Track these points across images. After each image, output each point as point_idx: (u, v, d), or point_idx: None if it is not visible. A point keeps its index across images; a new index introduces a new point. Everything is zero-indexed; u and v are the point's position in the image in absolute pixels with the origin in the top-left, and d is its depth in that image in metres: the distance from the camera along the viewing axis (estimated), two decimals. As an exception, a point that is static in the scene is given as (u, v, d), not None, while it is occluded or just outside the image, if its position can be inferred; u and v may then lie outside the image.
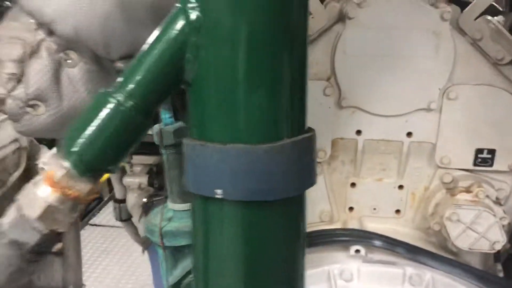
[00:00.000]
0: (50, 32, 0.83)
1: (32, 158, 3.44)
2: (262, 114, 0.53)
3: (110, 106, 0.56)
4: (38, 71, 0.84)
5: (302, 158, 0.56)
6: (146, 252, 1.38)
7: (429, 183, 1.33)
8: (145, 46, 0.56)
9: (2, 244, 0.56)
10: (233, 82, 0.52)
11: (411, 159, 1.31)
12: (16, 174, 2.96)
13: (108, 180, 3.48)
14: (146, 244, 1.10)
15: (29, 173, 3.56)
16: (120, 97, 0.55)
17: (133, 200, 1.53)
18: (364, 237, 1.30)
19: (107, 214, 3.07)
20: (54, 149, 0.75)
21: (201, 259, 0.59)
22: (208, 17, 0.51)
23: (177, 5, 0.54)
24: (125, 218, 1.65)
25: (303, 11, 0.53)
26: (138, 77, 0.55)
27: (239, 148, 0.52)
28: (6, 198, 2.83)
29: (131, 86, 0.55)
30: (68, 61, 0.84)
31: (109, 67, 0.86)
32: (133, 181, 1.53)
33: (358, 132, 1.30)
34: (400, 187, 1.35)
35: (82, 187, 0.57)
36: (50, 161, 0.58)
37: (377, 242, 1.29)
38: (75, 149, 0.57)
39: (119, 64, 0.80)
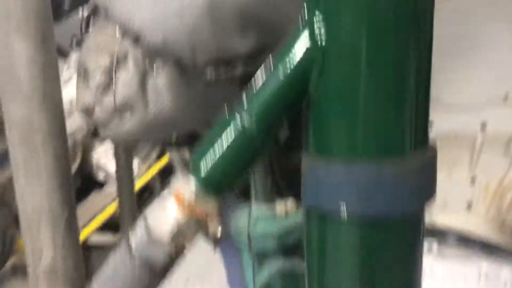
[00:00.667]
0: (136, 41, 0.84)
1: (86, 151, 3.53)
2: (388, 127, 0.53)
3: (236, 130, 0.56)
4: (126, 82, 0.85)
5: (429, 171, 0.55)
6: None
7: (504, 176, 1.29)
8: (267, 68, 0.56)
9: (135, 266, 0.57)
10: (358, 99, 0.52)
11: (485, 151, 1.27)
12: (72, 168, 3.06)
13: (159, 172, 3.54)
14: (217, 240, 1.11)
15: (85, 166, 3.65)
16: (245, 122, 0.56)
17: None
18: (436, 233, 1.28)
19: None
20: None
21: (315, 279, 0.60)
22: (335, 38, 0.51)
23: (300, 26, 0.54)
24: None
25: (429, 22, 0.52)
26: (261, 101, 0.56)
27: (366, 163, 0.52)
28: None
29: (255, 110, 0.56)
30: (153, 70, 0.85)
31: (193, 76, 0.87)
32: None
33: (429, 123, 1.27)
34: (473, 180, 1.31)
35: (208, 206, 0.58)
36: (181, 180, 0.59)
37: (450, 238, 1.27)
38: (203, 172, 0.58)
39: (208, 75, 0.80)
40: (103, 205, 3.05)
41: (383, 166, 0.52)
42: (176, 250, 0.58)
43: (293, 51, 0.53)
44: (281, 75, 0.53)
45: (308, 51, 0.52)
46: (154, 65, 0.86)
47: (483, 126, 1.24)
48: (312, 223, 0.58)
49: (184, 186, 0.58)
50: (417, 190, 0.54)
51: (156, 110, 0.89)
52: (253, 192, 0.90)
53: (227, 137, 0.56)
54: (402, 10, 0.50)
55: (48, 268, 0.94)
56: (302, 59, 0.52)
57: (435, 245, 1.25)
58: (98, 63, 0.87)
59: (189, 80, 0.88)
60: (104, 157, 3.25)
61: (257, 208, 0.89)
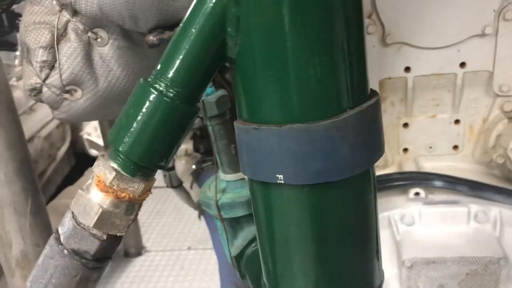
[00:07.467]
0: (75, 12, 0.79)
1: (76, 130, 3.50)
2: (319, 86, 0.47)
3: (152, 98, 0.51)
4: (70, 55, 0.80)
5: (370, 128, 0.50)
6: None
7: (488, 114, 1.25)
8: (180, 26, 0.50)
9: (63, 255, 0.54)
10: (281, 53, 0.46)
11: (466, 91, 1.22)
12: (64, 148, 3.04)
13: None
14: (201, 209, 1.09)
15: (77, 144, 3.63)
16: (161, 86, 0.51)
17: (182, 167, 1.52)
18: (422, 179, 1.25)
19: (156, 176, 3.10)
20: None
21: (267, 247, 0.56)
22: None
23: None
24: (176, 184, 1.66)
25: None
26: (177, 61, 0.50)
27: (297, 128, 0.47)
28: (57, 172, 2.91)
29: (171, 72, 0.50)
30: (97, 40, 0.80)
31: (140, 41, 0.82)
32: (178, 147, 1.50)
33: (407, 69, 1.22)
34: (456, 121, 1.27)
35: (135, 187, 0.54)
36: (99, 164, 0.54)
37: (437, 183, 1.24)
38: (122, 149, 0.53)
39: (151, 37, 0.75)
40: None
41: (317, 130, 0.47)
42: (108, 236, 0.55)
43: (203, 2, 0.47)
44: (194, 30, 0.48)
45: (219, 3, 0.46)
46: (98, 35, 0.81)
47: (462, 65, 1.19)
48: (256, 189, 0.55)
49: (105, 169, 0.53)
50: (358, 149, 0.49)
51: (107, 82, 0.84)
52: (218, 161, 0.87)
53: (144, 108, 0.51)
54: None
55: (19, 255, 0.92)
56: (214, 10, 0.47)
57: (422, 191, 1.22)
58: (39, 40, 0.82)
59: (136, 47, 0.82)
60: (94, 133, 3.24)
61: (224, 177, 0.86)
